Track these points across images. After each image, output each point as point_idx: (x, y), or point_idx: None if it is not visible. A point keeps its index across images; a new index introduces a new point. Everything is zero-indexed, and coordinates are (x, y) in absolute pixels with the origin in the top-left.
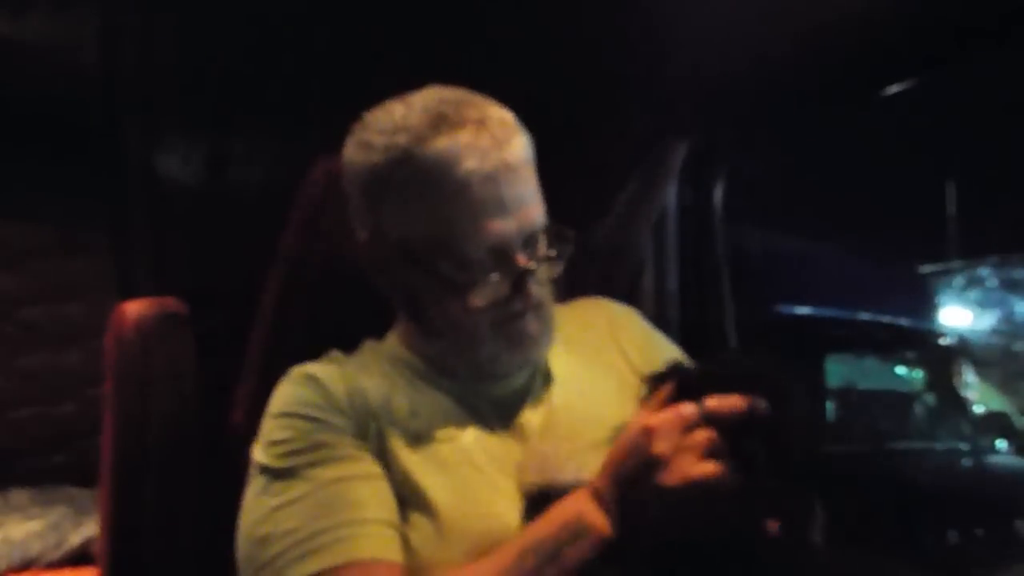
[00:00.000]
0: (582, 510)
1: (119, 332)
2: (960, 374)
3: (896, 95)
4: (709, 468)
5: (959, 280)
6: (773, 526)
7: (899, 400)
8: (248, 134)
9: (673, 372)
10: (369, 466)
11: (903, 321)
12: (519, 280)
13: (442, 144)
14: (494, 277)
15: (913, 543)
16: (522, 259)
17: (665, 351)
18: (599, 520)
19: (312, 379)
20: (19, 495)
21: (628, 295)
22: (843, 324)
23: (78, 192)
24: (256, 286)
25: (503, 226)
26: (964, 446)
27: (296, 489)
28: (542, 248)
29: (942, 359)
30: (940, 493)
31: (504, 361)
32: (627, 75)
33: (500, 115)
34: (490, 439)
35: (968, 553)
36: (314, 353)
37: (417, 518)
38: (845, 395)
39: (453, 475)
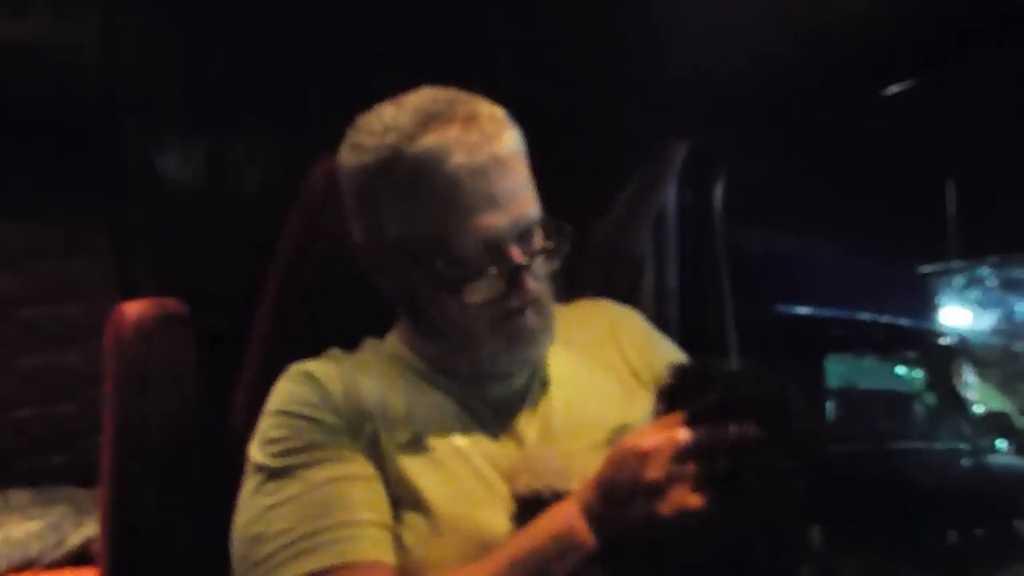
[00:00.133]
0: (572, 524)
1: (119, 332)
2: (960, 374)
3: (896, 95)
4: (698, 500)
5: (959, 280)
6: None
7: (899, 400)
8: (248, 134)
9: (684, 387)
10: (363, 467)
11: (903, 321)
12: (514, 275)
13: (430, 141)
14: (491, 271)
15: (913, 543)
16: (517, 253)
17: (665, 352)
18: (588, 536)
19: (309, 377)
20: (19, 495)
21: (628, 295)
22: (843, 324)
23: (78, 192)
24: (256, 286)
25: (495, 220)
26: (964, 446)
27: (290, 489)
28: (537, 242)
29: (942, 359)
30: (940, 493)
31: (504, 359)
32: (627, 75)
33: (490, 111)
34: (487, 440)
35: (968, 553)
36: (314, 353)
37: (411, 518)
38: (845, 395)
39: (448, 476)
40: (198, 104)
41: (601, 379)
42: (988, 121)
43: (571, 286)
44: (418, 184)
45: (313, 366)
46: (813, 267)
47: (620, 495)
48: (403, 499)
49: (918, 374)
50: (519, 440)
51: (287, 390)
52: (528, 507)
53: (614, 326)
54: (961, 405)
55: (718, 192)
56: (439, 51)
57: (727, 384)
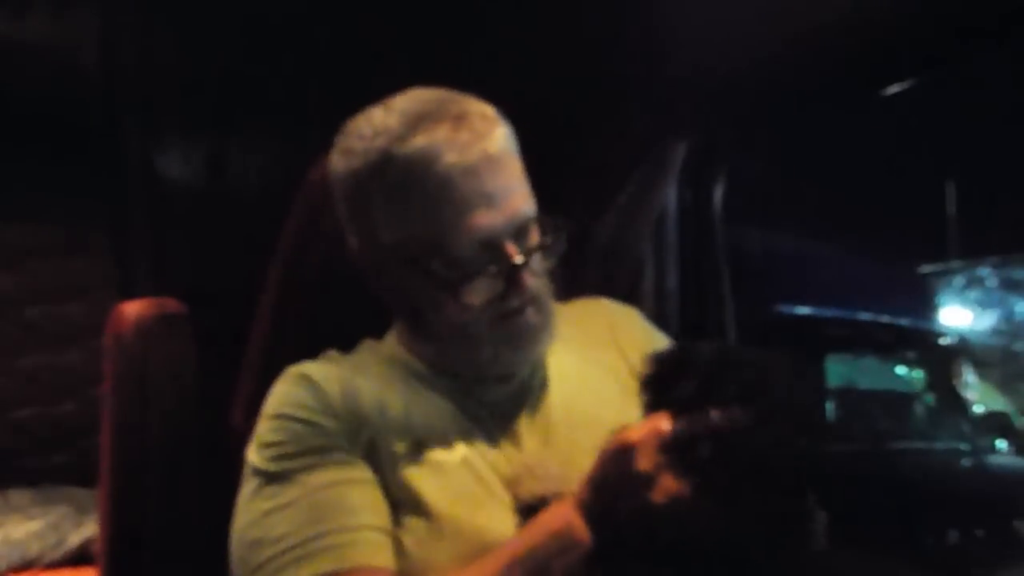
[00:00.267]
0: (570, 522)
1: (119, 332)
2: (960, 374)
3: (896, 95)
4: (686, 486)
5: (959, 280)
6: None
7: (899, 400)
8: (248, 134)
9: (663, 375)
10: (361, 471)
11: (903, 321)
12: (513, 273)
13: (421, 141)
14: (492, 271)
15: (913, 543)
16: (514, 251)
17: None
18: (586, 533)
19: (307, 380)
20: (19, 495)
21: (628, 295)
22: (843, 324)
23: (78, 192)
24: (256, 286)
25: (490, 218)
26: (964, 446)
27: (288, 493)
28: (533, 239)
29: (942, 359)
30: (940, 493)
31: (506, 359)
32: (627, 75)
33: (480, 109)
34: (486, 443)
35: (968, 553)
36: (313, 353)
37: (410, 522)
38: (845, 395)
39: (447, 479)
40: (198, 104)
41: (600, 379)
42: (988, 121)
43: (571, 286)
44: (410, 186)
45: (311, 369)
46: (813, 267)
47: (613, 489)
48: (402, 503)
49: (918, 374)
50: (518, 442)
51: (285, 393)
52: (533, 513)
53: (613, 325)
54: (961, 405)
55: (718, 192)
56: (439, 51)
57: (705, 368)
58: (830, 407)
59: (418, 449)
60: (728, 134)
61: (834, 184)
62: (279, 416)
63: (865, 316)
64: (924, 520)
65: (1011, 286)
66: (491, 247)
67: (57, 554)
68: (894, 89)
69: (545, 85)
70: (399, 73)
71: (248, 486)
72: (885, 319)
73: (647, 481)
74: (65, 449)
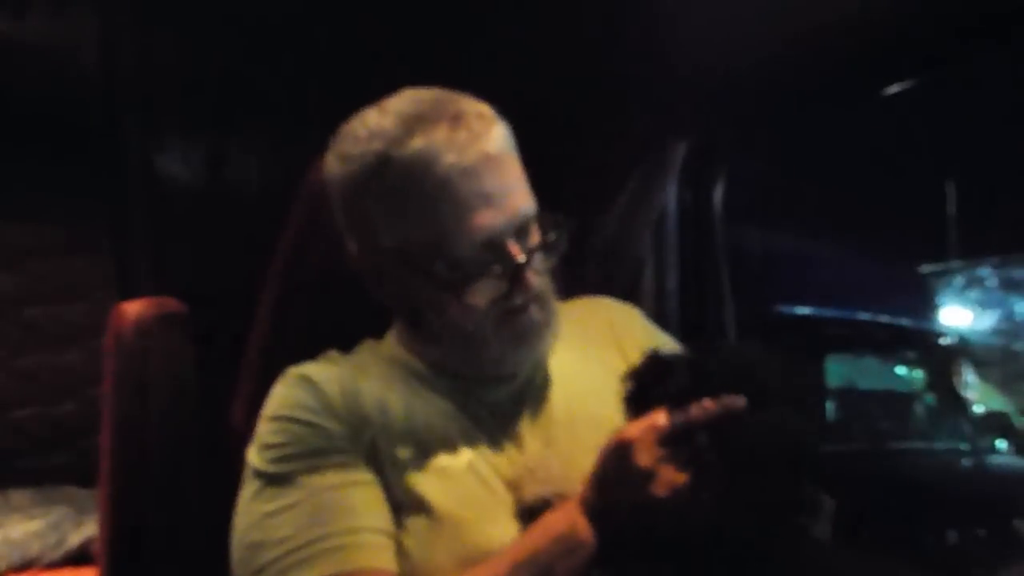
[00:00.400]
0: (574, 524)
1: (119, 332)
2: (960, 374)
3: (896, 95)
4: (686, 477)
5: (959, 280)
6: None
7: (899, 400)
8: (248, 134)
9: (651, 371)
10: (363, 473)
11: (903, 321)
12: (516, 272)
13: (418, 144)
14: (495, 270)
15: (913, 543)
16: (516, 250)
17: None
18: (590, 534)
19: (307, 381)
20: (19, 495)
21: (628, 295)
22: (843, 324)
23: (78, 192)
24: (255, 286)
25: (491, 218)
26: (964, 446)
27: (290, 496)
28: (535, 237)
29: (942, 359)
30: (940, 493)
31: (511, 359)
32: (627, 75)
33: (476, 108)
34: (487, 444)
35: (968, 553)
36: (313, 353)
37: (412, 524)
38: (845, 395)
39: (449, 480)
40: (198, 104)
41: (602, 378)
42: (988, 121)
43: (571, 286)
44: (409, 189)
45: (311, 370)
46: (813, 267)
47: (614, 487)
48: (404, 505)
49: (918, 374)
50: (520, 443)
51: (285, 395)
52: (536, 515)
53: (614, 324)
54: (961, 405)
55: (718, 192)
56: (439, 51)
57: (695, 362)
58: (830, 407)
59: (420, 451)
60: (728, 134)
61: (834, 184)
62: (280, 418)
63: (865, 316)
64: (924, 520)
65: (1011, 286)
66: (493, 247)
67: (57, 554)
68: (894, 89)
69: (545, 85)
70: (399, 73)
71: (249, 488)
72: (885, 319)
73: (648, 476)
74: (65, 449)
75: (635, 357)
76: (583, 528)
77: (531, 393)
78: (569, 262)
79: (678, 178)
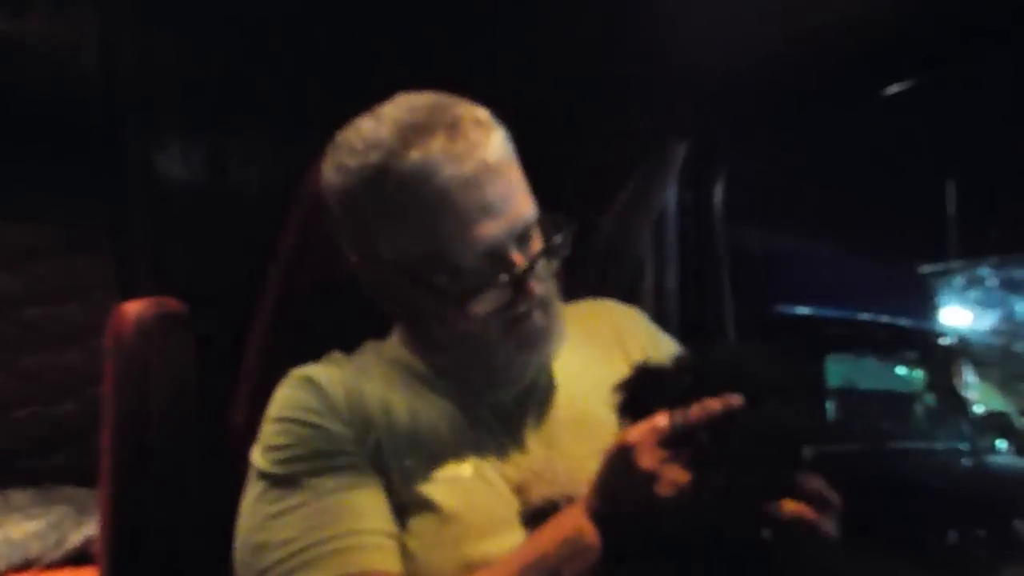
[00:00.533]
0: (580, 527)
1: (119, 332)
2: (960, 374)
3: (896, 95)
4: (690, 476)
5: (959, 280)
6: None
7: (899, 400)
8: (248, 134)
9: (643, 380)
10: (367, 475)
11: (903, 321)
12: (519, 280)
13: (415, 156)
14: (501, 279)
15: (913, 543)
16: (519, 258)
17: (670, 352)
18: (596, 537)
19: (311, 383)
20: (19, 495)
21: (628, 295)
22: (843, 324)
23: (78, 192)
24: (256, 286)
25: (493, 229)
26: (964, 446)
27: (294, 497)
28: (537, 242)
29: (942, 359)
30: (940, 493)
31: (517, 365)
32: (627, 75)
33: (473, 115)
34: (492, 446)
35: (968, 553)
36: (313, 353)
37: (417, 526)
38: (845, 395)
39: (453, 483)
40: (198, 104)
41: (606, 381)
42: (988, 121)
43: (571, 286)
44: (408, 202)
45: (315, 371)
46: (813, 267)
47: (619, 490)
48: (408, 507)
49: (918, 374)
50: (524, 446)
51: (289, 396)
52: (541, 518)
53: (619, 327)
54: (961, 405)
55: (718, 192)
56: (438, 51)
57: (686, 367)
58: (830, 407)
59: (425, 453)
60: (728, 134)
61: (834, 184)
62: (284, 419)
63: (865, 316)
64: (924, 520)
65: (1011, 286)
66: (495, 256)
67: (57, 554)
68: (894, 89)
69: (545, 85)
70: (399, 73)
71: (253, 489)
72: (885, 319)
73: (652, 477)
74: (65, 449)
75: (640, 359)
76: (589, 531)
77: (535, 396)
78: (569, 262)
79: (678, 178)
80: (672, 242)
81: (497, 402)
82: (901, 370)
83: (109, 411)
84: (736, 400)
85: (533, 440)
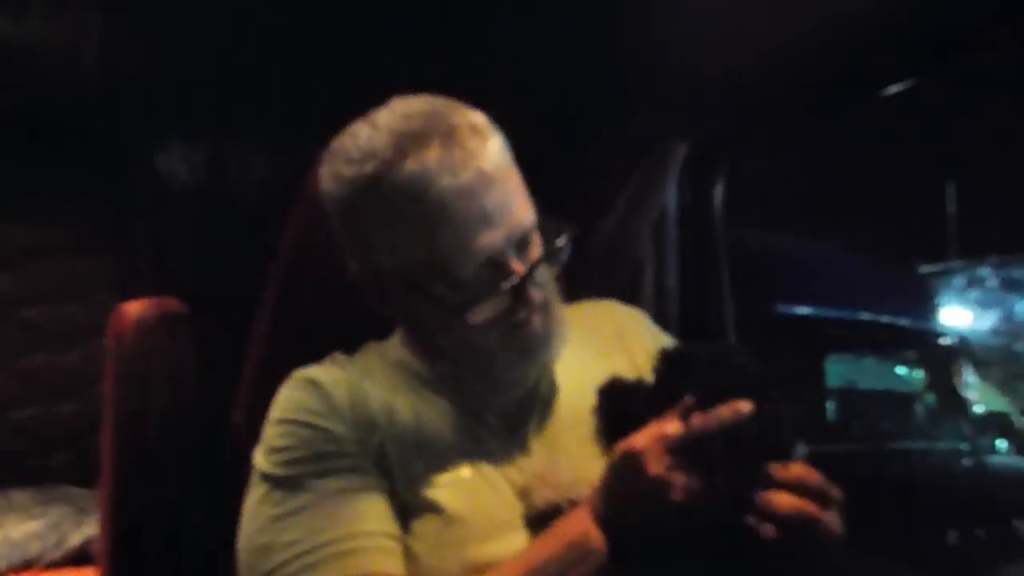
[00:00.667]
0: (586, 531)
1: (119, 332)
2: (960, 374)
3: (896, 95)
4: (700, 482)
5: (959, 280)
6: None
7: (899, 400)
8: (248, 134)
9: (624, 390)
10: (370, 477)
11: (903, 321)
12: (519, 288)
13: (412, 166)
14: (497, 288)
15: (913, 543)
16: (518, 265)
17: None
18: (602, 541)
19: (314, 384)
20: (19, 495)
21: (628, 295)
22: (843, 324)
23: (79, 192)
24: (256, 286)
25: (491, 238)
26: (964, 446)
27: (297, 499)
28: (536, 248)
29: (942, 359)
30: (940, 493)
31: (518, 371)
32: (627, 75)
33: (470, 121)
34: (495, 448)
35: (968, 553)
36: (314, 354)
37: (420, 528)
38: (845, 395)
39: (458, 486)
40: (198, 104)
41: None
42: (988, 121)
43: (571, 286)
44: (405, 213)
45: (318, 373)
46: (813, 267)
47: (627, 496)
48: (412, 509)
49: (918, 374)
50: (527, 448)
51: (292, 398)
52: (546, 521)
53: (621, 328)
54: (961, 405)
55: (718, 192)
56: (439, 52)
57: (702, 373)
58: (830, 407)
59: (428, 456)
60: (728, 134)
61: (834, 184)
62: (286, 421)
63: (865, 316)
64: (924, 520)
65: (1011, 286)
66: (494, 265)
67: (57, 554)
68: (894, 89)
69: (545, 85)
70: (399, 73)
71: (256, 491)
72: (885, 319)
73: (663, 484)
74: (65, 449)
75: (643, 361)
76: (595, 536)
77: (538, 398)
78: (569, 263)
79: (678, 178)
80: (672, 242)
81: (500, 405)
82: (901, 370)
83: (109, 411)
84: (746, 406)
85: (536, 442)
